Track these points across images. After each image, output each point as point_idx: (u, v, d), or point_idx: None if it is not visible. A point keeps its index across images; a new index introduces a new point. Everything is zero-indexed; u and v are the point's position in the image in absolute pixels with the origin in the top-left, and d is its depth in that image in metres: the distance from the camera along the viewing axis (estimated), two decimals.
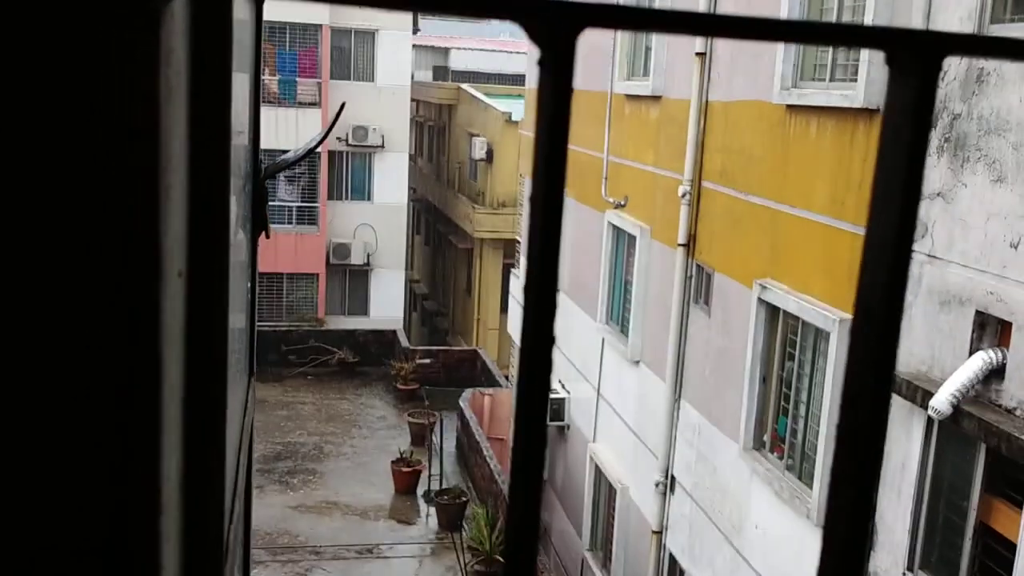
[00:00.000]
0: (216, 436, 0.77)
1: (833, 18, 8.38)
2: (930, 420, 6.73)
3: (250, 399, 1.70)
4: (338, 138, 26.62)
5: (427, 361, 23.87)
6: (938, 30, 0.55)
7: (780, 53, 8.87)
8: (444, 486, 17.73)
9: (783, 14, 8.80)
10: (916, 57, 0.53)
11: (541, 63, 0.51)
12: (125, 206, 0.45)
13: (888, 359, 0.55)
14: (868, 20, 7.56)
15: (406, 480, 18.23)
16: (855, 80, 7.87)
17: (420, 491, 18.27)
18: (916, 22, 7.00)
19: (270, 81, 25.83)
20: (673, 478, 11.34)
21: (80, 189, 0.44)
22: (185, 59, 0.60)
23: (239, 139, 1.44)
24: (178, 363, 0.61)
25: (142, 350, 0.47)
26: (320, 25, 25.98)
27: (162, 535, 0.55)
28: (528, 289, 0.54)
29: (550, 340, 0.56)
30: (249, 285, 1.64)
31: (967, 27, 6.55)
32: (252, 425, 1.76)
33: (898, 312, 0.57)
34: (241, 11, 1.36)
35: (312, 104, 26.12)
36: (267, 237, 1.73)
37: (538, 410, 0.52)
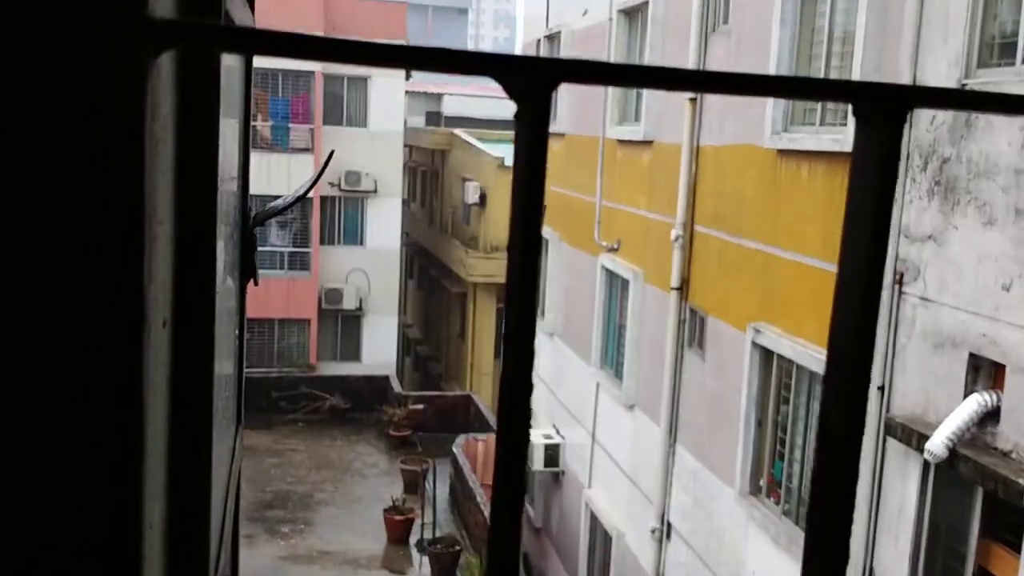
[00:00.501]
0: (201, 484, 0.76)
1: (822, 64, 8.48)
2: (926, 464, 6.70)
3: (237, 447, 1.68)
4: (331, 183, 26.73)
5: (420, 407, 23.75)
6: (903, 83, 0.55)
7: (770, 98, 8.96)
8: (437, 534, 17.55)
9: (772, 62, 8.91)
10: (882, 110, 0.54)
11: (517, 117, 0.52)
12: (109, 257, 0.45)
13: (860, 401, 0.55)
14: (856, 66, 7.65)
15: (399, 529, 18.04)
16: (844, 124, 7.94)
17: (413, 540, 18.07)
18: (903, 68, 7.08)
19: (263, 127, 25.98)
20: (669, 524, 11.25)
21: (63, 240, 0.44)
22: (172, 111, 0.60)
23: (228, 186, 1.44)
24: (162, 411, 0.61)
25: (124, 398, 0.47)
26: (313, 72, 26.23)
27: None
28: (507, 337, 0.54)
29: (528, 387, 0.56)
30: (237, 332, 1.63)
31: (954, 72, 6.63)
32: (239, 473, 1.74)
33: (868, 356, 0.57)
34: (230, 57, 1.37)
35: (305, 150, 26.26)
36: (255, 284, 1.72)
37: (518, 456, 0.51)
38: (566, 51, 15.18)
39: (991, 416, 6.24)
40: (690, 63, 10.55)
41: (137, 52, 0.44)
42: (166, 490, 0.66)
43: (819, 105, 8.50)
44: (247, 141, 1.72)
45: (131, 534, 0.51)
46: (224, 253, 1.32)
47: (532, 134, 0.53)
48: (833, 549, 0.53)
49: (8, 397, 0.47)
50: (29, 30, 0.44)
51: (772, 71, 8.90)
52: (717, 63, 10.24)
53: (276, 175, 25.23)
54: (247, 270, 1.64)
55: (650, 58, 11.88)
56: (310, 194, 26.12)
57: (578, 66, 0.51)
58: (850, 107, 0.54)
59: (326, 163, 3.07)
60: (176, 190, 0.62)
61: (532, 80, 0.51)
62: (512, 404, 0.51)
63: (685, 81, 0.54)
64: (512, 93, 0.52)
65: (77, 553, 0.50)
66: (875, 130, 0.53)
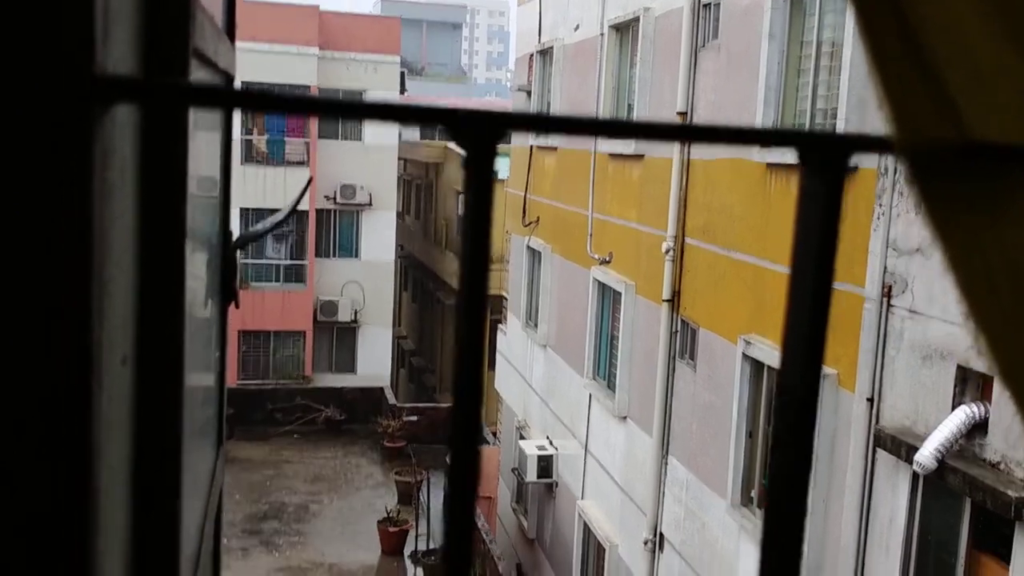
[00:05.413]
0: (170, 519, 0.77)
1: (810, 78, 8.54)
2: (915, 475, 6.73)
3: (218, 468, 1.70)
4: (326, 196, 26.77)
5: (414, 418, 23.75)
6: (844, 132, 0.59)
7: (760, 111, 9.01)
8: (432, 546, 17.53)
9: (761, 75, 8.96)
10: (824, 156, 0.57)
11: (465, 164, 0.55)
12: (52, 299, 0.47)
13: (806, 453, 0.57)
14: (844, 78, 7.71)
15: (393, 540, 18.02)
16: None
17: (407, 551, 18.05)
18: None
19: (259, 141, 26.02)
20: (662, 535, 11.26)
21: (8, 287, 0.46)
22: (133, 153, 0.62)
23: (207, 211, 1.46)
24: (122, 445, 0.62)
25: (71, 434, 0.48)
26: (308, 86, 26.28)
27: None
28: (457, 373, 0.56)
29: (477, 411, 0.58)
30: (218, 354, 1.65)
31: None
32: (221, 494, 1.76)
33: (814, 395, 0.59)
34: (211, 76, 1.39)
35: (300, 163, 26.31)
36: (236, 307, 1.75)
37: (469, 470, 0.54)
38: (558, 65, 15.25)
39: (979, 428, 6.27)
40: (680, 78, 10.62)
41: (82, 109, 0.46)
42: (129, 521, 0.67)
43: (808, 118, 8.55)
44: (228, 161, 1.74)
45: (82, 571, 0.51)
46: (203, 276, 1.34)
47: (479, 180, 0.56)
48: (790, 538, 0.56)
49: None
50: None
51: (761, 85, 8.96)
52: (707, 77, 10.30)
53: (272, 188, 25.28)
54: (228, 293, 1.66)
55: (640, 72, 11.94)
56: (306, 207, 26.13)
57: (521, 118, 0.55)
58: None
59: (304, 188, 3.11)
60: (139, 231, 0.64)
61: (479, 130, 0.54)
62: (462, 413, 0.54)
63: (631, 131, 0.57)
64: (460, 142, 0.55)
65: None
66: (819, 176, 0.56)
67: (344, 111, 0.51)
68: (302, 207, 25.95)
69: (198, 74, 0.99)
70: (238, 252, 1.79)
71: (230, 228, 1.66)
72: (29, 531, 0.48)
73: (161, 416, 0.72)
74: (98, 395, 0.49)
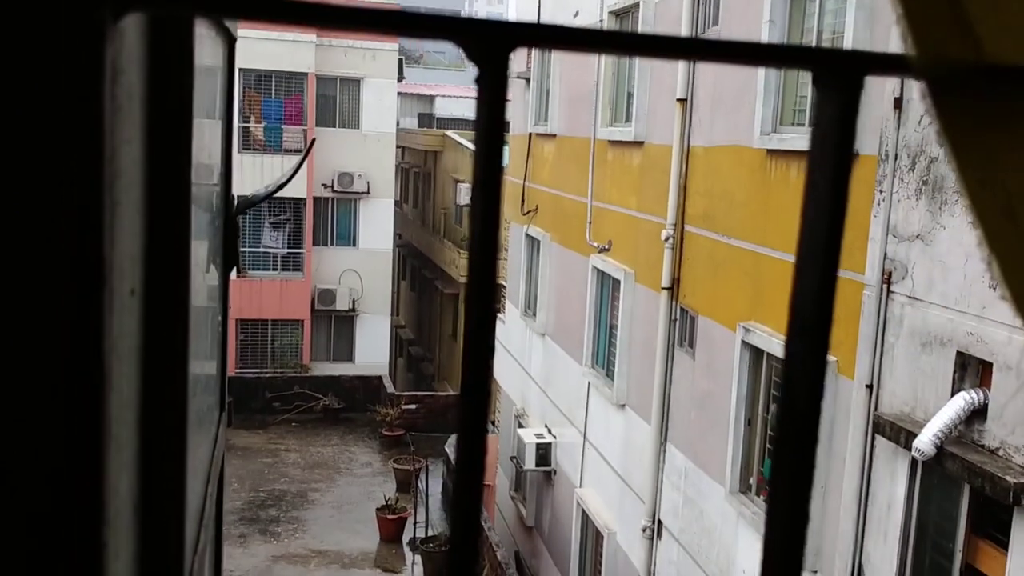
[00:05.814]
0: (176, 451, 0.77)
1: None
2: (914, 461, 6.74)
3: (220, 433, 1.70)
4: (323, 184, 26.74)
5: (413, 407, 23.77)
6: (860, 49, 0.58)
7: (760, 98, 8.99)
8: (430, 533, 17.56)
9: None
10: (839, 75, 0.56)
11: (478, 80, 0.54)
12: (63, 218, 0.46)
13: (820, 364, 0.56)
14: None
15: (391, 527, 18.05)
16: None
17: (406, 539, 18.07)
18: (895, 46, 7.11)
19: (256, 128, 25.95)
20: (660, 523, 11.28)
21: (14, 200, 0.45)
22: (141, 81, 0.61)
23: (208, 171, 1.45)
24: (132, 379, 0.62)
25: (83, 360, 0.47)
26: (306, 73, 26.22)
27: (108, 549, 0.55)
28: (469, 296, 0.55)
29: (489, 349, 0.57)
30: (220, 319, 1.64)
31: None
32: (223, 460, 1.75)
33: (828, 315, 0.58)
34: (211, 56, 1.38)
35: (298, 151, 26.26)
36: (239, 274, 1.74)
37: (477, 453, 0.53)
38: (556, 53, 15.21)
39: (978, 414, 6.27)
40: (680, 65, 10.59)
41: (94, 13, 0.45)
42: (137, 457, 0.67)
43: (808, 105, 8.54)
44: (229, 134, 1.73)
45: (92, 499, 0.50)
46: (205, 238, 1.33)
47: (491, 95, 0.55)
48: (794, 514, 0.55)
49: None
50: None
51: (761, 73, 8.94)
52: (708, 65, 10.27)
53: (270, 176, 25.22)
54: (230, 257, 1.65)
55: (640, 60, 11.91)
56: (303, 195, 26.07)
57: (536, 29, 0.54)
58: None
59: (308, 149, 3.10)
60: (146, 160, 0.63)
61: (492, 43, 0.53)
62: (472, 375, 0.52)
63: (639, 46, 0.56)
64: (472, 56, 0.54)
65: (30, 516, 0.49)
66: (833, 94, 0.55)
67: (350, 20, 0.50)
68: (300, 195, 25.92)
69: (200, 24, 0.98)
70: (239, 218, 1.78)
71: (232, 194, 1.66)
72: (43, 447, 0.47)
73: (169, 353, 0.71)
74: (108, 319, 0.48)
